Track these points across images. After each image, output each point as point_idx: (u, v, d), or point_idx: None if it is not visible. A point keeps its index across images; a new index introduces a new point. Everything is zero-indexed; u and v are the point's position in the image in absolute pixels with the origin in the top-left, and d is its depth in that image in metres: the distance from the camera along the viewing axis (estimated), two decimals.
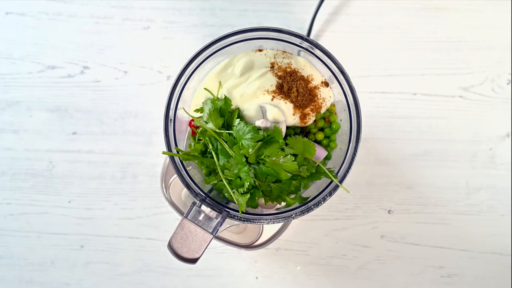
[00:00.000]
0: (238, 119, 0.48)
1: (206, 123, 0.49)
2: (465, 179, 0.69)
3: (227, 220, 0.48)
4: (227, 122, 0.49)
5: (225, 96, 0.49)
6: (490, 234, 0.69)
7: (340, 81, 0.49)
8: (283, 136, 0.49)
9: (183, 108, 0.51)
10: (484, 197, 0.69)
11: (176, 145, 0.49)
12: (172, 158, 0.48)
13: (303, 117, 0.51)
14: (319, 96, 0.52)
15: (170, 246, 0.46)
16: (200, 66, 0.50)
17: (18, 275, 0.70)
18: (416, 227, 0.69)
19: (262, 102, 0.50)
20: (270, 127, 0.49)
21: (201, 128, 0.49)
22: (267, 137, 0.46)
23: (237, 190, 0.47)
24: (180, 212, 0.62)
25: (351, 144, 0.49)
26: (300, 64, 0.52)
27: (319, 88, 0.52)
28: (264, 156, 0.46)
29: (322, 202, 0.47)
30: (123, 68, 0.69)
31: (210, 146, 0.48)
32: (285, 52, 0.52)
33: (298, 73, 0.52)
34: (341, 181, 0.48)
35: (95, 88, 0.69)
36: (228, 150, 0.47)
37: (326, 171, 0.47)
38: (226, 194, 0.49)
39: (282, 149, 0.46)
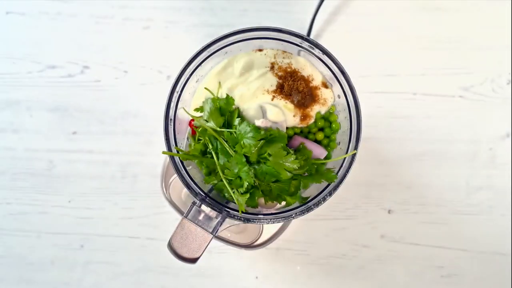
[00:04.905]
0: (238, 118, 0.48)
1: (207, 122, 0.49)
2: (465, 179, 0.69)
3: (227, 219, 0.48)
4: (228, 121, 0.49)
5: (227, 95, 0.50)
6: (490, 234, 0.69)
7: (340, 81, 0.49)
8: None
9: (183, 107, 0.51)
10: (484, 197, 0.69)
11: (176, 145, 0.49)
12: (172, 158, 0.48)
13: (303, 117, 0.51)
14: (319, 96, 0.52)
15: (170, 246, 0.46)
16: (200, 66, 0.50)
17: (18, 275, 0.70)
18: (416, 227, 0.69)
19: (262, 102, 0.50)
20: (272, 127, 0.49)
21: (201, 128, 0.49)
22: (269, 136, 0.47)
23: (237, 190, 0.47)
24: (180, 212, 0.62)
25: (351, 144, 0.49)
26: (300, 64, 0.52)
27: (319, 88, 0.52)
28: (267, 155, 0.46)
29: (322, 202, 0.47)
30: (123, 68, 0.69)
31: (210, 146, 0.48)
32: (285, 52, 0.52)
33: (299, 73, 0.52)
34: (341, 181, 0.48)
35: (95, 88, 0.69)
36: (228, 150, 0.47)
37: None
38: (226, 194, 0.49)
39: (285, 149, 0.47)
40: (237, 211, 0.48)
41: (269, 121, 0.49)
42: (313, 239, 0.69)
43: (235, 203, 0.48)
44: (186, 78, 0.49)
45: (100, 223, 0.69)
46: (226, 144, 0.48)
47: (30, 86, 0.69)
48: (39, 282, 0.69)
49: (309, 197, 0.49)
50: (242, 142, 0.46)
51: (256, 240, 0.62)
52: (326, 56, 0.48)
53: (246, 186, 0.46)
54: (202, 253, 0.47)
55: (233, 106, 0.50)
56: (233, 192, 0.47)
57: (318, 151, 0.51)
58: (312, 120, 0.52)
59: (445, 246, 0.69)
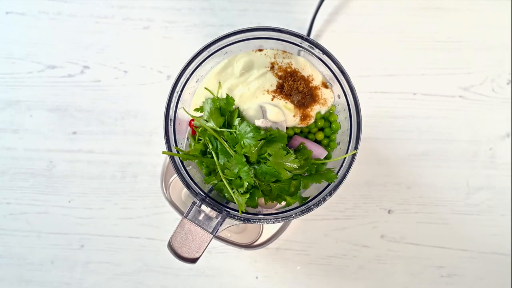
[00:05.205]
0: (238, 118, 0.48)
1: (207, 122, 0.49)
2: (465, 179, 0.69)
3: (227, 219, 0.48)
4: (228, 121, 0.49)
5: (227, 95, 0.50)
6: (490, 234, 0.69)
7: (340, 81, 0.49)
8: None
9: (183, 107, 0.51)
10: (484, 197, 0.69)
11: (176, 145, 0.49)
12: (172, 158, 0.48)
13: (303, 117, 0.51)
14: (320, 96, 0.52)
15: (170, 246, 0.46)
16: (200, 66, 0.50)
17: (18, 275, 0.70)
18: (416, 227, 0.69)
19: (262, 102, 0.50)
20: (272, 127, 0.49)
21: (201, 128, 0.49)
22: (269, 136, 0.47)
23: (237, 190, 0.47)
24: (180, 212, 0.62)
25: (351, 144, 0.49)
26: (300, 64, 0.52)
27: (319, 88, 0.52)
28: (267, 155, 0.46)
29: (322, 202, 0.47)
30: (123, 68, 0.69)
31: (210, 146, 0.48)
32: (285, 52, 0.52)
33: (299, 73, 0.52)
34: (341, 181, 0.48)
35: (95, 88, 0.69)
36: (228, 150, 0.47)
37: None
38: (226, 194, 0.49)
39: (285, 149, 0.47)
40: (237, 211, 0.48)
41: (269, 121, 0.49)
42: (313, 239, 0.69)
43: (235, 203, 0.48)
44: (186, 78, 0.49)
45: (100, 223, 0.69)
46: (226, 144, 0.48)
47: (30, 86, 0.69)
48: (39, 282, 0.69)
49: (309, 197, 0.49)
50: (242, 142, 0.46)
51: (256, 240, 0.62)
52: (326, 56, 0.48)
53: (246, 186, 0.46)
54: (202, 253, 0.47)
55: (233, 106, 0.50)
56: (233, 192, 0.47)
57: (318, 151, 0.51)
58: (312, 120, 0.52)
59: (445, 246, 0.69)
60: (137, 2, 0.69)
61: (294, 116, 0.51)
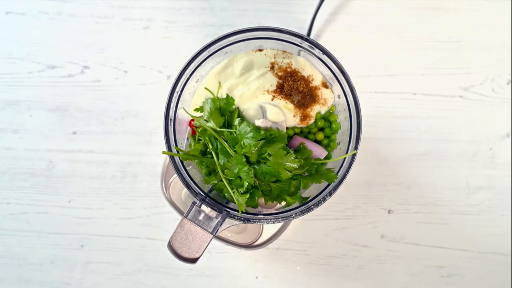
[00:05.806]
0: (238, 118, 0.48)
1: (207, 122, 0.49)
2: (465, 179, 0.69)
3: (227, 219, 0.48)
4: (228, 121, 0.49)
5: (227, 95, 0.50)
6: (490, 234, 0.69)
7: (340, 81, 0.49)
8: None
9: (183, 107, 0.51)
10: (484, 197, 0.69)
11: (176, 145, 0.49)
12: (172, 158, 0.48)
13: (303, 117, 0.51)
14: (320, 96, 0.52)
15: (170, 246, 0.46)
16: (200, 66, 0.50)
17: (18, 275, 0.70)
18: (416, 227, 0.69)
19: (262, 102, 0.50)
20: (272, 127, 0.49)
21: (201, 128, 0.49)
22: (269, 136, 0.47)
23: (237, 190, 0.47)
24: (180, 212, 0.62)
25: (351, 144, 0.49)
26: (300, 64, 0.52)
27: (319, 88, 0.52)
28: (267, 155, 0.46)
29: (322, 202, 0.47)
30: (123, 68, 0.69)
31: (210, 146, 0.48)
32: (285, 52, 0.52)
33: (299, 73, 0.52)
34: (341, 181, 0.48)
35: (95, 88, 0.69)
36: (228, 150, 0.47)
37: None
38: (226, 194, 0.49)
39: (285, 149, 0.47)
40: (237, 211, 0.48)
41: (269, 121, 0.49)
42: (313, 239, 0.69)
43: (235, 203, 0.48)
44: (186, 78, 0.49)
45: (100, 223, 0.69)
46: (226, 144, 0.48)
47: (30, 86, 0.69)
48: (39, 282, 0.69)
49: (309, 197, 0.49)
50: (242, 142, 0.46)
51: (256, 240, 0.62)
52: (326, 56, 0.48)
53: (246, 186, 0.46)
54: (202, 253, 0.47)
55: (233, 106, 0.50)
56: (233, 192, 0.47)
57: (318, 151, 0.51)
58: (312, 120, 0.52)
59: (445, 246, 0.69)
60: (137, 2, 0.69)
61: (294, 116, 0.51)
